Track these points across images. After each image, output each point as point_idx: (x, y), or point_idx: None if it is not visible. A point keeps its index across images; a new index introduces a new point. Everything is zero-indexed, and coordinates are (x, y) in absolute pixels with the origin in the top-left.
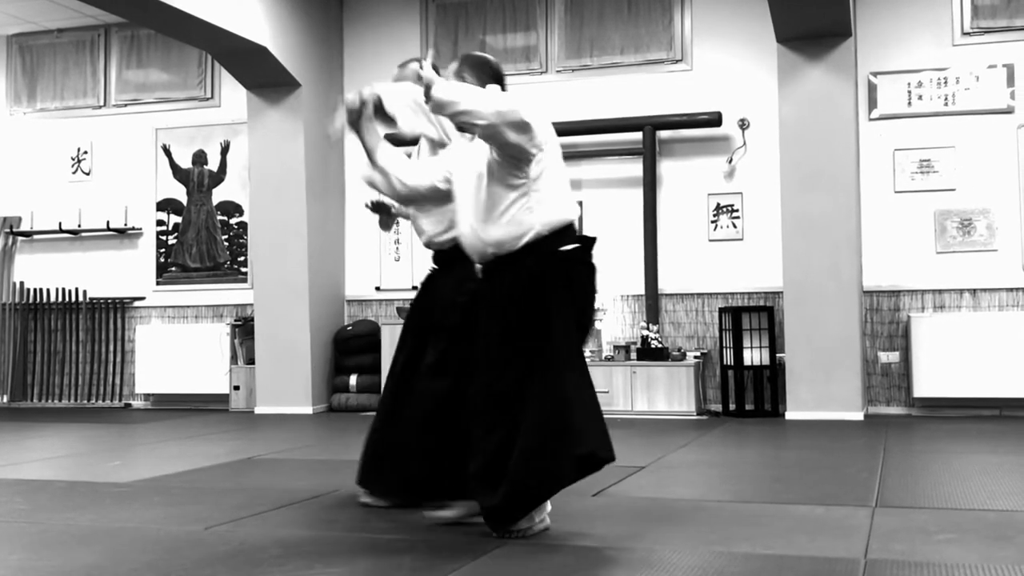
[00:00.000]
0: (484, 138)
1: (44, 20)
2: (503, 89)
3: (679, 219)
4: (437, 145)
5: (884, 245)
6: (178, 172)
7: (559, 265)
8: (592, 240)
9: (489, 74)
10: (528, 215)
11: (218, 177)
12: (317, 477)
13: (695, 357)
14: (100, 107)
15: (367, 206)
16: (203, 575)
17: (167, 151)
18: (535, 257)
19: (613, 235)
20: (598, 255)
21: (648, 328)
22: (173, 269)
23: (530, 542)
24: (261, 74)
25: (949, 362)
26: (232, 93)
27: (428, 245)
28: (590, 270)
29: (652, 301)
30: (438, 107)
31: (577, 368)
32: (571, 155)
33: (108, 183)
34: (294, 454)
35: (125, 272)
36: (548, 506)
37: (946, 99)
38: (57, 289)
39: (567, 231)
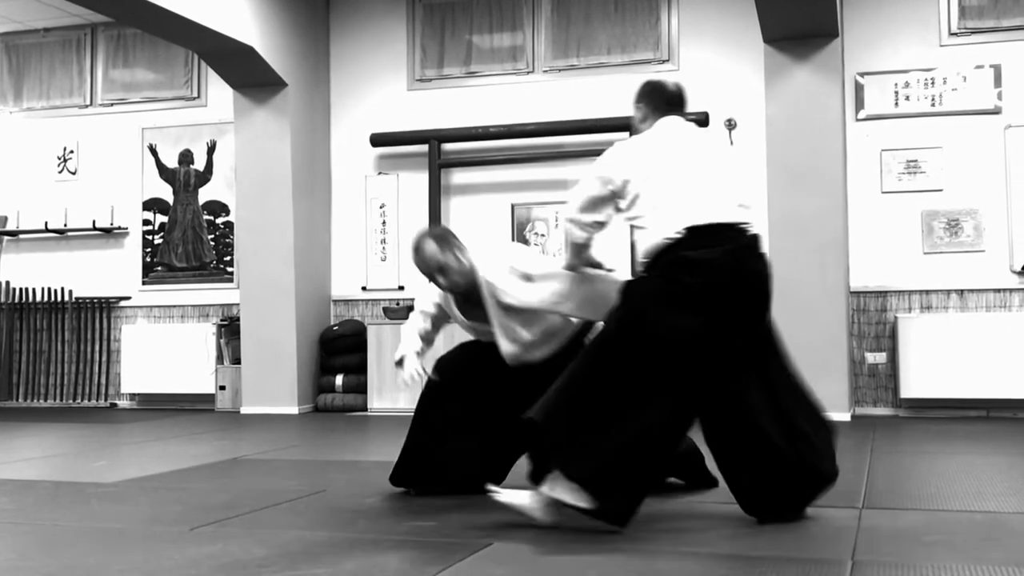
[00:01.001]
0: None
1: (30, 19)
2: (681, 110)
3: None
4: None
5: (871, 245)
6: (164, 172)
7: (642, 283)
8: (683, 259)
9: (664, 99)
10: (639, 249)
11: (204, 177)
12: (303, 477)
13: None
14: (86, 106)
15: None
16: None
17: (153, 151)
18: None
19: (600, 235)
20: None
21: None
22: (159, 269)
23: (516, 542)
24: (248, 74)
25: (936, 363)
26: (219, 93)
27: None
28: (672, 285)
29: None
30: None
31: (602, 386)
32: (558, 155)
33: (94, 182)
34: (280, 454)
35: (111, 272)
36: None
37: (933, 100)
38: (43, 289)
39: (666, 251)
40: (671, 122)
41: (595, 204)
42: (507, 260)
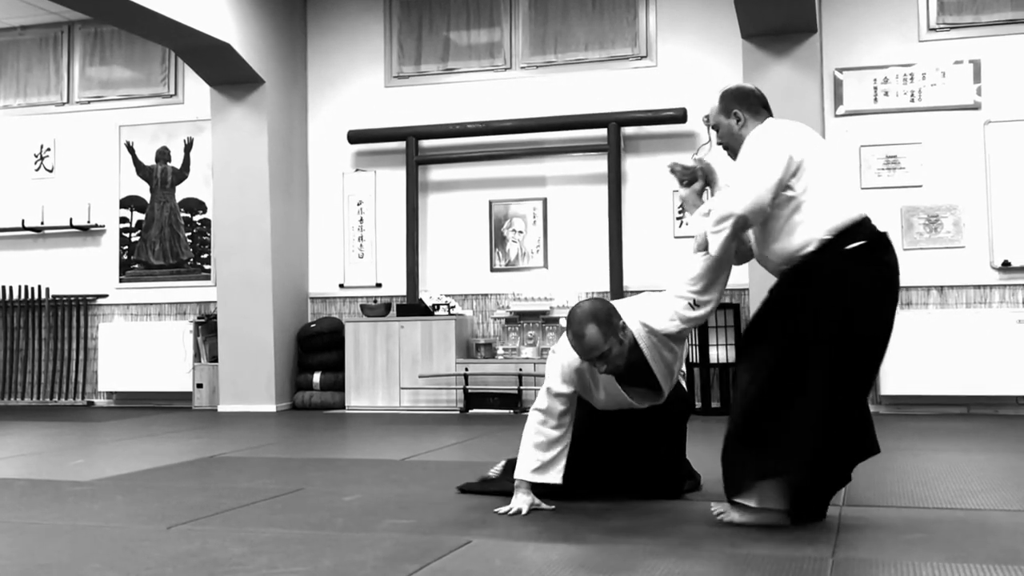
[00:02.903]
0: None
1: (7, 17)
2: (771, 114)
3: (644, 216)
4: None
5: None
6: (141, 169)
7: (838, 262)
8: (879, 236)
9: (759, 102)
10: (805, 226)
11: (181, 174)
12: (280, 476)
13: None
14: (63, 104)
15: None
16: (165, 574)
17: (130, 148)
18: (818, 256)
19: (577, 232)
20: (571, 252)
21: None
22: (136, 266)
23: (494, 540)
24: (225, 71)
25: (916, 359)
26: (196, 90)
27: None
28: (877, 268)
29: (617, 298)
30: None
31: (817, 377)
32: (535, 151)
33: (71, 180)
34: (257, 452)
35: (88, 269)
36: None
37: (912, 95)
38: (19, 287)
39: (854, 230)
40: (780, 121)
41: (778, 186)
42: (649, 306)
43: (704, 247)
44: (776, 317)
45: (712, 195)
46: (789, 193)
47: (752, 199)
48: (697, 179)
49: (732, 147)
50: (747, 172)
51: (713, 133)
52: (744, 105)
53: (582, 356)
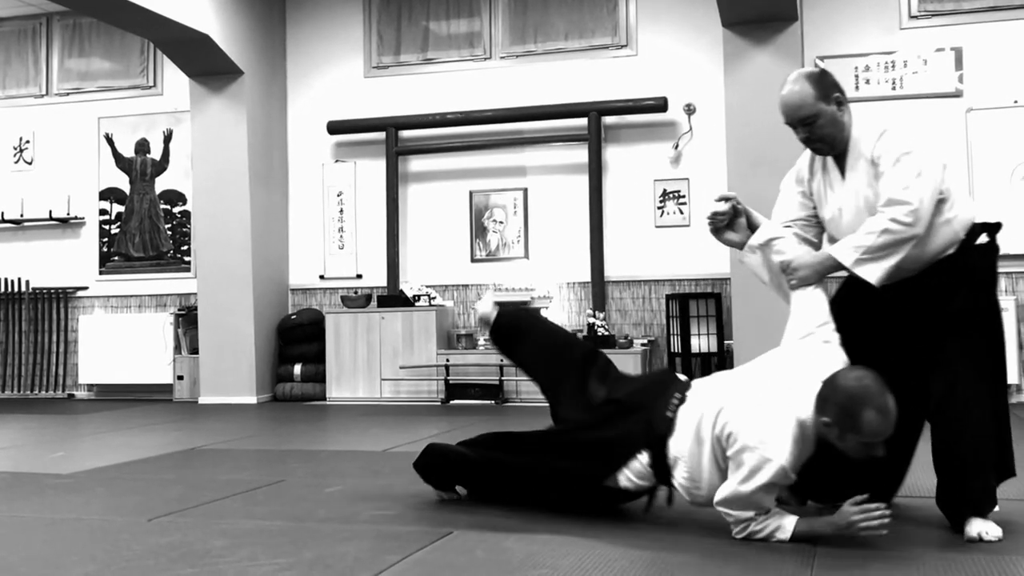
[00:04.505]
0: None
1: None
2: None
3: (625, 205)
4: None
5: None
6: (121, 161)
7: (983, 258)
8: (998, 226)
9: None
10: (947, 227)
11: (161, 166)
12: (261, 468)
13: (642, 344)
14: (42, 96)
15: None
16: (146, 566)
17: (110, 140)
18: (962, 256)
19: (558, 222)
20: (552, 242)
21: (594, 315)
22: (116, 259)
23: (476, 531)
24: (204, 62)
25: None
26: (175, 81)
27: None
28: (998, 255)
29: (598, 288)
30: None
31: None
32: (516, 142)
33: (50, 172)
34: (238, 444)
35: (68, 262)
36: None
37: (894, 83)
38: None
39: (974, 225)
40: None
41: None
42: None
43: (815, 279)
44: (962, 332)
45: (751, 224)
46: (939, 197)
47: (925, 215)
48: (740, 215)
49: (834, 137)
50: (918, 187)
51: (694, 121)
52: (839, 88)
53: (881, 435)
